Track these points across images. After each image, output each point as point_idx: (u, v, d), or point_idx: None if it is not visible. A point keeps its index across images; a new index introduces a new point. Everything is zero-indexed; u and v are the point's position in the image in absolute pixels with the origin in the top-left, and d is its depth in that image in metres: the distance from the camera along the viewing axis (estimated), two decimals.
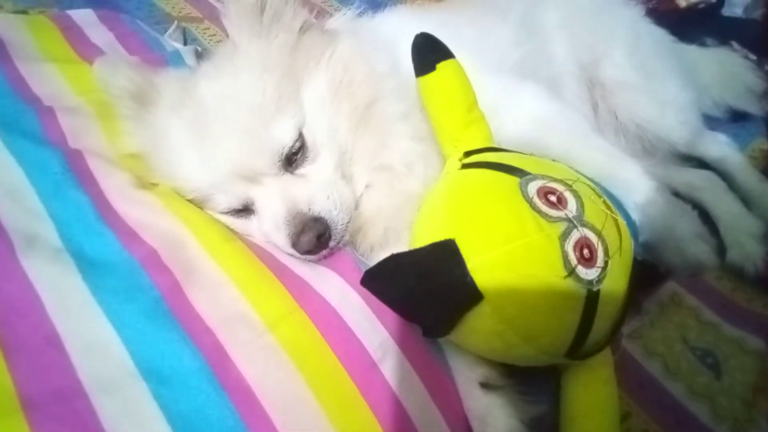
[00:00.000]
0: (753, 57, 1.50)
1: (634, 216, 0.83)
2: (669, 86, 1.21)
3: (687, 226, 0.87)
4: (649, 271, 0.94)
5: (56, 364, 0.61)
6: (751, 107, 1.44)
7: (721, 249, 1.08)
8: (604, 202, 0.75)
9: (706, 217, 1.16)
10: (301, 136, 0.82)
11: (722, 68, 1.45)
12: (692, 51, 1.47)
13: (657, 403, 0.85)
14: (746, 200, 1.18)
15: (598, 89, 1.20)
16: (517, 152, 0.82)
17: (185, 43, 1.43)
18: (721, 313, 1.00)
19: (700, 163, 1.30)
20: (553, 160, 0.84)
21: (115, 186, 0.81)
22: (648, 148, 1.22)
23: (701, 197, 1.19)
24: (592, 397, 0.75)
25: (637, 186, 0.88)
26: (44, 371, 0.60)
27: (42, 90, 0.97)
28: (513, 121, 0.95)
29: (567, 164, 0.84)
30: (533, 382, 0.82)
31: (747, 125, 1.44)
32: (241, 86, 0.80)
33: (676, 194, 1.21)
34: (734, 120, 1.44)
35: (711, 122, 1.40)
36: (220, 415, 0.60)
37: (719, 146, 1.25)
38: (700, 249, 0.85)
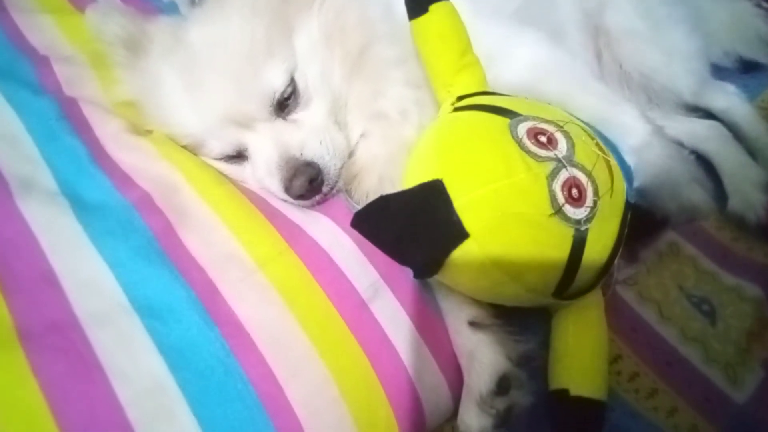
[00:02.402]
0: (765, 5, 1.45)
1: (629, 160, 0.82)
2: (675, 34, 1.17)
3: (683, 170, 0.86)
4: (646, 219, 0.93)
5: (52, 300, 0.63)
6: (762, 57, 1.39)
7: (723, 198, 1.08)
8: (597, 143, 0.75)
9: (710, 168, 1.16)
10: (292, 81, 0.81)
11: (733, 17, 1.40)
12: None
13: (648, 345, 0.86)
14: (752, 151, 1.16)
15: (603, 37, 1.17)
16: (511, 96, 0.81)
17: None
18: (720, 263, 1.00)
19: (708, 115, 1.27)
20: (548, 104, 0.83)
21: (110, 133, 0.82)
22: (653, 99, 1.19)
23: (705, 147, 1.16)
24: (580, 337, 0.75)
25: (633, 129, 0.86)
26: (41, 306, 0.62)
27: (38, 40, 0.98)
28: (511, 67, 0.94)
29: (564, 109, 0.83)
30: (525, 324, 0.83)
31: (758, 75, 1.40)
32: (231, 31, 0.80)
33: (681, 145, 1.20)
34: (745, 70, 1.40)
35: (721, 72, 1.36)
36: (210, 346, 0.62)
37: (726, 96, 1.22)
38: (696, 193, 0.84)
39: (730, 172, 1.09)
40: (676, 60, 1.15)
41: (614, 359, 0.85)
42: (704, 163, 1.16)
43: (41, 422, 0.54)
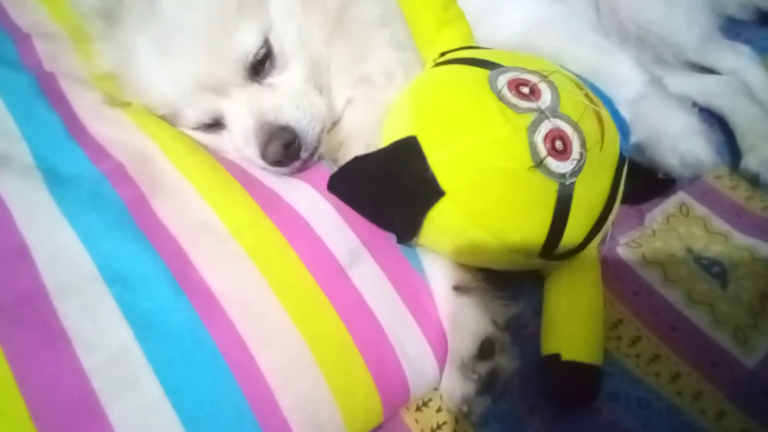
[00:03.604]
0: None
1: (625, 112, 0.77)
2: None
3: (682, 121, 0.80)
4: (648, 176, 0.88)
5: (22, 272, 0.62)
6: None
7: (737, 156, 1.02)
8: (586, 94, 0.71)
9: (724, 126, 1.09)
10: (267, 42, 0.79)
11: None
12: None
13: (651, 309, 0.82)
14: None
15: None
16: (495, 49, 0.77)
17: None
18: (734, 222, 0.94)
19: None
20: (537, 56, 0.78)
21: (87, 105, 0.81)
22: (658, 56, 1.12)
23: (718, 103, 1.10)
24: (573, 299, 0.72)
25: (628, 79, 0.81)
26: (12, 279, 0.62)
27: (22, 19, 0.98)
28: (504, 24, 0.90)
29: (559, 63, 0.79)
30: (519, 289, 0.80)
31: None
32: None
33: (693, 103, 1.14)
34: (764, 22, 1.32)
35: (738, 26, 1.29)
36: (179, 315, 0.60)
37: (737, 56, 1.14)
38: (697, 144, 0.79)
39: (744, 128, 1.03)
40: (676, 11, 1.08)
41: (614, 324, 0.81)
42: (718, 120, 1.11)
43: (6, 391, 0.54)
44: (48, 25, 0.97)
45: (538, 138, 0.62)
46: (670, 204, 0.96)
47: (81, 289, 0.61)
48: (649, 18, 1.09)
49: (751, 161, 0.98)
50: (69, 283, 0.61)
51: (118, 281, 0.62)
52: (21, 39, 0.92)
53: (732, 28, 1.27)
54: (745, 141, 1.02)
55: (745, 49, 1.18)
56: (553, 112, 0.65)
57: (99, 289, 0.61)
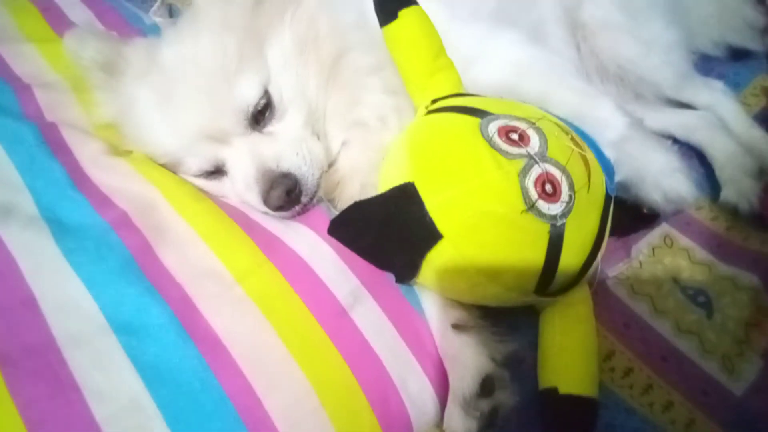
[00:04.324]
0: None
1: (609, 153, 0.81)
2: (654, 26, 1.16)
3: (663, 160, 0.85)
4: (634, 212, 0.92)
5: (31, 323, 0.63)
6: (752, 44, 1.38)
7: (716, 188, 1.06)
8: (572, 138, 0.74)
9: (703, 159, 1.14)
10: (266, 93, 0.82)
11: (720, 5, 1.39)
12: None
13: (642, 340, 0.85)
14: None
15: (580, 31, 1.16)
16: (484, 96, 0.81)
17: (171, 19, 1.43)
18: (716, 253, 0.98)
19: None
20: (524, 102, 0.82)
21: (89, 154, 0.82)
22: (637, 94, 1.18)
23: (696, 138, 1.15)
24: (567, 334, 0.74)
25: (610, 123, 0.86)
26: (19, 330, 0.63)
27: (22, 69, 0.99)
28: (489, 69, 0.94)
29: (543, 107, 0.83)
30: (513, 325, 0.82)
31: (748, 62, 1.38)
32: (201, 48, 0.80)
33: (673, 138, 1.19)
34: (735, 58, 1.39)
35: (711, 62, 1.36)
36: (187, 362, 0.62)
37: (711, 92, 1.19)
38: (678, 182, 0.83)
39: (722, 161, 1.08)
40: (653, 52, 1.14)
41: (607, 356, 0.83)
42: (697, 153, 1.16)
43: None
44: (48, 75, 0.99)
45: (529, 182, 0.66)
46: (654, 236, 1.00)
47: (90, 339, 0.62)
48: (628, 58, 1.15)
49: (729, 193, 1.03)
50: (77, 333, 0.63)
51: (126, 330, 0.63)
52: (21, 89, 0.94)
53: (705, 64, 1.33)
54: (723, 174, 1.06)
55: (719, 85, 1.24)
56: (542, 156, 0.68)
57: (107, 338, 0.62)
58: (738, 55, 1.39)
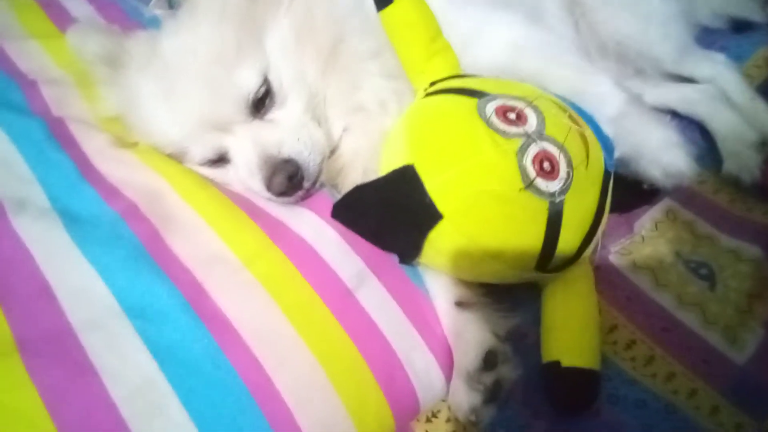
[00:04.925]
0: None
1: (607, 130, 0.82)
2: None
3: (662, 135, 0.85)
4: (635, 188, 0.93)
5: (47, 310, 0.65)
6: (754, 15, 1.37)
7: (719, 161, 1.07)
8: (570, 116, 0.75)
9: (705, 132, 1.14)
10: (266, 81, 0.83)
11: None
12: None
13: (644, 313, 0.85)
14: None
15: (578, 8, 1.16)
16: (482, 77, 0.82)
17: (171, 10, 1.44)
18: (719, 225, 0.99)
19: None
20: (521, 82, 0.83)
21: (96, 147, 0.84)
22: (637, 69, 1.18)
23: (697, 111, 1.15)
24: (569, 308, 0.76)
25: (608, 99, 0.86)
26: (36, 317, 0.65)
27: (26, 65, 1.01)
28: (487, 50, 0.94)
29: (541, 86, 0.83)
30: (517, 301, 0.84)
31: (751, 35, 1.37)
32: (201, 38, 0.81)
33: (674, 112, 1.19)
34: (737, 30, 1.38)
35: (713, 34, 1.35)
36: (198, 343, 0.64)
37: (712, 65, 1.19)
38: (677, 156, 0.83)
39: (723, 134, 1.08)
40: (652, 25, 1.13)
41: (610, 329, 0.84)
42: (699, 127, 1.16)
43: (41, 424, 0.57)
44: (52, 70, 1.01)
45: (527, 161, 0.67)
46: (657, 211, 1.01)
47: (104, 323, 0.64)
48: (627, 33, 1.15)
49: (731, 165, 1.03)
50: (92, 318, 0.65)
51: (139, 314, 0.65)
52: (27, 85, 0.96)
53: (707, 36, 1.32)
54: (725, 146, 1.07)
55: (720, 58, 1.23)
56: (540, 135, 0.69)
57: (121, 322, 0.64)
58: (740, 26, 1.38)
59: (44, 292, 0.67)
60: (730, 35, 1.36)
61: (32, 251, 0.71)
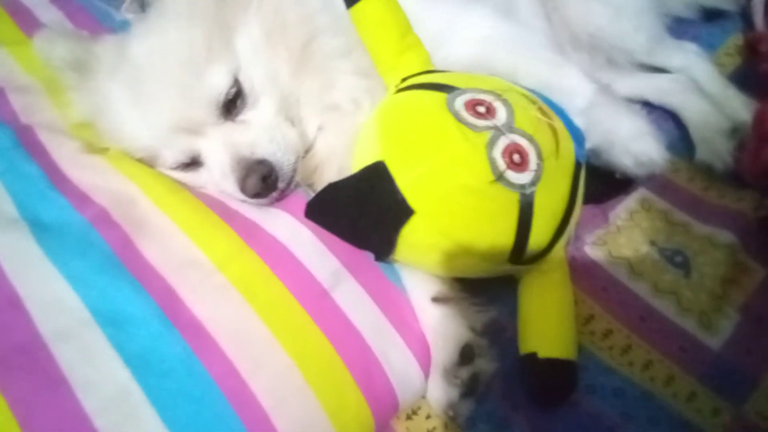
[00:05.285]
0: None
1: (578, 121, 0.82)
2: None
3: (632, 125, 0.86)
4: (608, 178, 0.94)
5: (17, 322, 0.64)
6: (724, 3, 1.38)
7: (692, 149, 1.08)
8: (539, 108, 0.75)
9: (679, 121, 1.16)
10: (237, 82, 0.82)
11: None
12: None
13: (620, 303, 0.86)
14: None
15: (550, 2, 1.17)
16: (452, 72, 0.82)
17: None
18: (692, 213, 1.00)
19: None
20: (493, 76, 0.83)
21: (66, 154, 0.83)
22: (610, 61, 1.19)
23: (670, 100, 1.17)
24: (544, 300, 0.76)
25: (578, 91, 0.87)
26: (7, 329, 0.64)
27: None
28: (459, 46, 0.95)
29: (512, 80, 0.84)
30: (494, 296, 0.84)
31: (722, 23, 1.39)
32: (170, 40, 0.81)
33: (647, 102, 1.20)
34: (709, 19, 1.39)
35: (684, 24, 1.36)
36: (172, 350, 0.63)
37: (684, 54, 1.21)
38: (648, 145, 0.84)
39: (695, 122, 1.09)
40: (624, 17, 1.15)
41: (587, 319, 0.85)
42: (672, 116, 1.17)
43: None
44: (21, 78, 0.99)
45: (497, 153, 0.67)
46: (631, 200, 1.02)
47: (76, 333, 0.64)
48: (598, 25, 1.16)
49: (704, 153, 1.05)
50: (63, 329, 0.64)
51: (111, 323, 0.64)
52: None
53: (679, 26, 1.34)
54: (697, 135, 1.08)
55: (692, 47, 1.25)
56: (509, 128, 0.69)
57: (93, 332, 0.64)
58: (711, 15, 1.39)
59: (13, 303, 0.66)
60: (701, 24, 1.38)
61: (1, 262, 0.70)
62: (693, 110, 1.11)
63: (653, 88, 1.20)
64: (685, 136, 1.12)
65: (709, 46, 1.30)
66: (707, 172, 1.04)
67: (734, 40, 1.35)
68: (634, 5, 1.19)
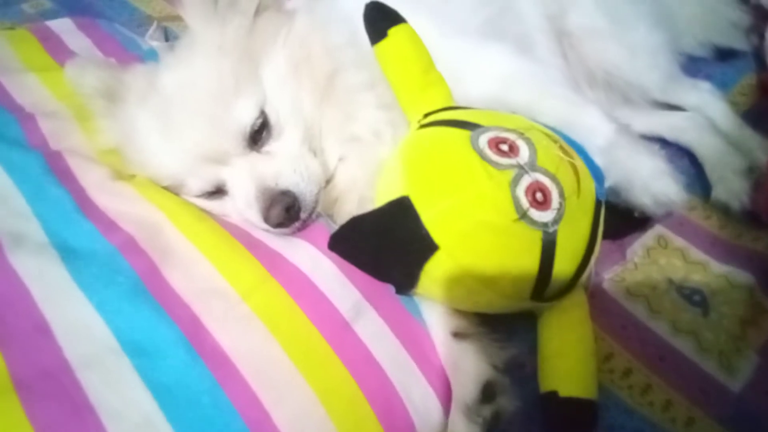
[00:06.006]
0: None
1: (598, 160, 0.83)
2: (638, 30, 1.19)
3: (651, 164, 0.87)
4: (626, 216, 0.94)
5: (44, 348, 0.65)
6: (738, 43, 1.41)
7: (708, 187, 1.09)
8: (561, 147, 0.77)
9: (694, 159, 1.17)
10: (263, 114, 0.84)
11: (704, 6, 1.42)
12: None
13: (640, 341, 0.86)
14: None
15: (566, 39, 1.19)
16: (474, 108, 0.84)
17: (167, 41, 1.46)
18: (710, 251, 1.00)
19: None
20: (513, 113, 0.85)
21: (94, 181, 0.85)
22: (626, 98, 1.21)
23: (685, 138, 1.18)
24: (565, 338, 0.76)
25: (599, 130, 0.88)
26: (33, 355, 0.65)
27: (24, 99, 1.02)
28: (478, 82, 0.96)
29: (531, 117, 0.85)
30: (512, 330, 0.84)
31: (735, 62, 1.41)
32: (198, 72, 0.83)
33: (663, 140, 1.21)
34: (722, 58, 1.42)
35: (698, 63, 1.38)
36: (197, 380, 0.63)
37: (699, 93, 1.22)
38: (667, 185, 0.85)
39: (711, 161, 1.10)
40: (639, 55, 1.17)
41: (606, 357, 0.85)
42: (687, 154, 1.18)
43: None
44: (50, 103, 1.01)
45: (520, 192, 0.68)
46: (648, 237, 1.03)
47: (102, 361, 0.64)
48: (614, 63, 1.18)
49: (720, 193, 1.05)
50: (90, 356, 0.64)
51: (137, 351, 0.65)
52: (25, 118, 0.96)
53: (692, 65, 1.36)
54: (713, 174, 1.09)
55: (706, 86, 1.26)
56: (532, 166, 0.70)
57: (119, 359, 0.64)
58: (724, 55, 1.41)
59: (41, 329, 0.67)
60: (714, 63, 1.40)
61: (29, 287, 0.71)
62: (708, 149, 1.12)
63: (668, 125, 1.21)
64: (700, 174, 1.13)
65: (723, 85, 1.32)
66: (723, 210, 1.05)
67: (748, 79, 1.37)
68: (649, 44, 1.21)
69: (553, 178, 0.70)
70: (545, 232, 0.68)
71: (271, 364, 0.67)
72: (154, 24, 1.50)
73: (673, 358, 0.84)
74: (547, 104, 0.90)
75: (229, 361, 0.66)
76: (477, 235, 0.67)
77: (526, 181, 0.68)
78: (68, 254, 0.74)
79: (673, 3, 1.40)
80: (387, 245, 0.70)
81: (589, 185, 0.76)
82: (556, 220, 0.69)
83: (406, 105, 0.87)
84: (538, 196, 0.68)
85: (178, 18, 1.60)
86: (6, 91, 1.04)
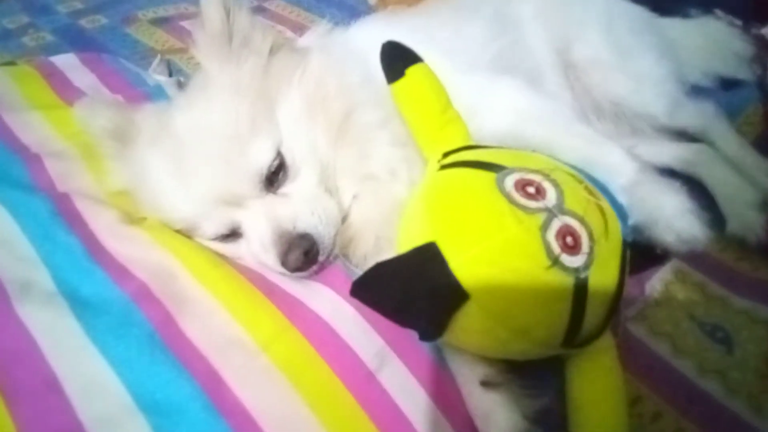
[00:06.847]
0: (738, 23, 1.48)
1: (621, 199, 0.82)
2: (644, 60, 1.19)
3: (675, 203, 0.86)
4: (647, 252, 0.93)
5: (56, 407, 0.62)
6: (741, 73, 1.42)
7: (722, 220, 1.08)
8: (586, 187, 0.75)
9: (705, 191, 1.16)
10: (279, 155, 0.82)
11: (707, 37, 1.44)
12: (675, 24, 1.46)
13: (667, 383, 0.84)
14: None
15: (572, 71, 1.19)
16: (494, 147, 0.82)
17: (170, 75, 1.45)
18: (728, 286, 0.99)
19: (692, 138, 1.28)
20: (533, 151, 0.84)
21: (104, 224, 0.82)
22: (633, 128, 1.20)
23: (697, 171, 1.17)
24: (596, 384, 0.74)
25: (621, 169, 0.87)
26: (45, 415, 0.62)
27: (29, 138, 0.99)
28: (492, 117, 0.96)
29: (549, 154, 0.84)
30: (537, 376, 0.81)
31: (740, 92, 1.42)
32: (214, 114, 0.81)
33: (672, 171, 1.21)
34: (726, 88, 1.43)
35: (703, 93, 1.39)
36: None
37: (703, 117, 1.23)
38: (691, 223, 0.84)
39: (725, 195, 1.10)
40: (645, 85, 1.17)
41: (634, 401, 0.83)
42: (698, 185, 1.18)
43: None
44: (56, 143, 0.99)
45: (551, 236, 0.66)
46: (666, 271, 1.01)
47: (118, 421, 0.61)
48: (621, 94, 1.18)
49: (735, 226, 1.05)
50: (105, 416, 0.62)
51: (154, 410, 0.62)
52: (31, 159, 0.94)
53: (696, 95, 1.36)
54: (727, 207, 1.08)
55: (710, 109, 1.26)
56: (560, 209, 0.69)
57: (137, 420, 0.61)
58: (728, 84, 1.42)
59: (52, 387, 0.64)
60: (719, 93, 1.40)
61: (38, 340, 0.68)
62: (721, 183, 1.12)
63: (678, 157, 1.20)
64: (712, 205, 1.12)
65: (729, 115, 1.31)
66: (739, 244, 1.04)
67: (752, 108, 1.38)
68: (655, 74, 1.22)
69: (582, 221, 0.68)
70: (577, 278, 0.66)
71: (294, 420, 0.64)
72: (158, 57, 1.49)
73: (702, 400, 0.82)
74: (565, 142, 0.89)
75: (250, 418, 0.63)
76: (508, 282, 0.65)
77: (555, 225, 0.66)
78: (79, 304, 0.71)
79: (676, 34, 1.42)
80: (413, 293, 0.68)
81: (615, 226, 0.74)
82: (587, 265, 0.67)
83: (424, 143, 0.86)
84: (569, 240, 0.66)
85: (181, 51, 1.60)
86: (9, 129, 1.01)
